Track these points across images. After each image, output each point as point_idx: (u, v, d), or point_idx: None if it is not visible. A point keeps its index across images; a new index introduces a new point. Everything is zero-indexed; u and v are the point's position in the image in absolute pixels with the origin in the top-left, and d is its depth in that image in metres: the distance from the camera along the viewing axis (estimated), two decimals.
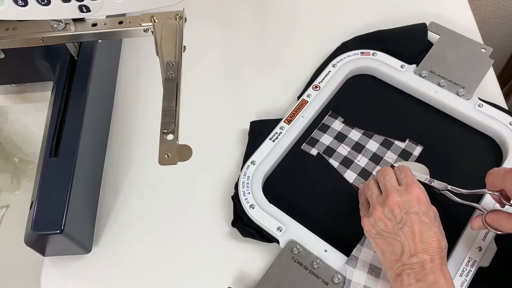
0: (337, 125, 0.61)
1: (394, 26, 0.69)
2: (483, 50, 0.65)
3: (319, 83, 0.62)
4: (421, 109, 0.62)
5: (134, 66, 0.72)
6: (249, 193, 0.55)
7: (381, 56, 0.64)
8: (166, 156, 0.45)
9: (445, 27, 0.67)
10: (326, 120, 0.62)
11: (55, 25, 0.52)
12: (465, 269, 0.49)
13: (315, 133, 0.61)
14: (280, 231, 0.53)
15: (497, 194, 0.47)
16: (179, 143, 0.45)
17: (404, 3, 0.74)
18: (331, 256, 0.51)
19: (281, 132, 0.59)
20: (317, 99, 0.62)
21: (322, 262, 0.51)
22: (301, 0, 0.76)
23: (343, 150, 0.59)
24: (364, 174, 0.58)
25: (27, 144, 0.85)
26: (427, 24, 0.68)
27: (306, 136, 0.61)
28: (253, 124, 0.62)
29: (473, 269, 0.49)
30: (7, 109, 0.75)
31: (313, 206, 0.56)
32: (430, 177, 0.54)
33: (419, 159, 0.58)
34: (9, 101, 0.70)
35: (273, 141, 0.59)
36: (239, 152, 0.62)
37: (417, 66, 0.63)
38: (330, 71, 0.63)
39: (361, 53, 0.65)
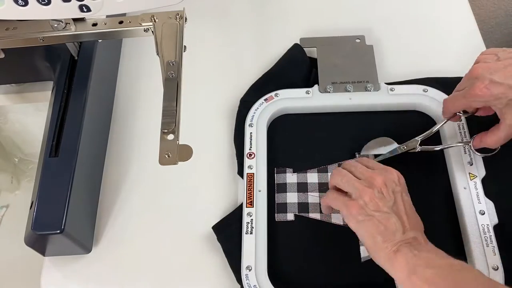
0: (291, 177, 0.58)
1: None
2: (358, 40, 0.67)
3: (250, 149, 0.59)
4: (347, 119, 0.62)
5: (134, 66, 0.71)
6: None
7: (283, 93, 0.63)
8: (166, 156, 0.45)
9: (315, 37, 0.68)
10: (278, 178, 0.58)
11: (55, 25, 0.52)
12: None
13: (278, 198, 0.57)
14: None
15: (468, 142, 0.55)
16: (180, 143, 0.45)
17: (405, 3, 0.74)
18: None
19: (252, 219, 0.54)
20: (259, 166, 0.58)
21: None
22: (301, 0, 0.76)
23: (313, 198, 0.57)
24: None
25: (27, 144, 0.85)
26: (298, 43, 0.68)
27: (272, 206, 0.57)
28: (217, 228, 0.56)
29: None
30: (7, 109, 0.75)
31: (328, 268, 0.53)
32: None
33: None
34: (9, 101, 0.70)
35: (251, 233, 0.53)
36: (228, 198, 0.60)
37: (318, 85, 0.63)
38: (251, 132, 0.60)
39: (265, 100, 0.63)
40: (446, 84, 0.61)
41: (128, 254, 0.57)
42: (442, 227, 0.54)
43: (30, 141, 0.83)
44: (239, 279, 0.52)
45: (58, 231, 0.50)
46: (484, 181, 0.55)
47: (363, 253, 0.53)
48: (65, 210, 0.51)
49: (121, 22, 0.53)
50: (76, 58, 0.61)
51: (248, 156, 0.59)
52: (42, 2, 0.45)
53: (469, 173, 0.55)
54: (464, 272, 0.42)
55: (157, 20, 0.52)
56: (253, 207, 0.55)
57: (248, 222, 0.54)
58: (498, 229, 0.52)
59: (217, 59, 0.71)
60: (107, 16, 0.53)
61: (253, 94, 0.65)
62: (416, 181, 0.52)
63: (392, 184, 0.47)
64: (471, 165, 0.55)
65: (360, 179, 0.48)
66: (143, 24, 0.53)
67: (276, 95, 0.63)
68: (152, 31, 0.53)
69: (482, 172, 0.55)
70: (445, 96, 0.60)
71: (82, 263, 0.57)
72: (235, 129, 0.63)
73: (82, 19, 0.53)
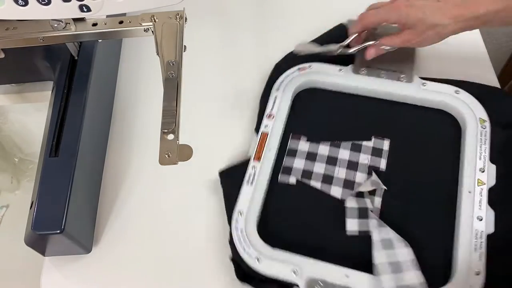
0: (303, 145, 0.60)
1: None
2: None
3: (271, 111, 0.61)
4: (373, 104, 0.63)
5: (134, 66, 0.71)
6: (249, 247, 0.52)
7: (317, 66, 0.64)
8: (166, 156, 0.45)
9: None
10: (291, 144, 0.60)
11: (55, 25, 0.52)
12: None
13: (286, 161, 0.59)
14: (296, 274, 0.50)
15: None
16: (180, 143, 0.45)
17: None
18: (355, 279, 0.49)
19: (255, 172, 0.57)
20: (275, 128, 0.60)
21: None
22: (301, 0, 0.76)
23: (319, 168, 0.58)
24: (348, 184, 0.57)
25: (27, 144, 0.85)
26: (346, 23, 0.69)
27: (278, 167, 0.59)
28: (222, 174, 0.59)
29: None
30: (7, 109, 0.75)
31: (315, 235, 0.54)
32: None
33: (390, 152, 0.59)
34: (9, 101, 0.70)
35: (251, 184, 0.56)
36: (240, 152, 0.62)
37: (353, 65, 0.64)
38: (276, 96, 0.62)
39: (298, 69, 0.64)
40: (480, 90, 0.61)
41: (128, 254, 0.57)
42: (438, 221, 0.54)
43: (30, 141, 0.83)
44: (230, 222, 0.54)
45: (58, 231, 0.50)
46: (492, 190, 0.54)
47: (351, 226, 0.53)
48: (65, 210, 0.51)
49: (121, 22, 0.53)
50: (76, 58, 0.61)
51: (267, 116, 0.61)
52: (42, 2, 0.45)
53: (478, 179, 0.54)
54: None
55: (157, 20, 0.52)
56: (259, 162, 0.57)
57: (251, 174, 0.56)
58: (491, 238, 0.52)
59: (217, 59, 0.71)
60: (107, 16, 0.53)
61: (290, 61, 0.66)
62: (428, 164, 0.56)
63: None
64: (483, 172, 0.55)
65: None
66: (143, 24, 0.53)
67: (309, 66, 0.64)
68: (152, 31, 0.53)
69: (492, 181, 0.55)
70: (475, 101, 0.60)
71: (82, 263, 0.57)
72: (264, 90, 0.65)
73: (82, 19, 0.53)
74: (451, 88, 0.61)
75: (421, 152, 0.59)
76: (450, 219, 0.54)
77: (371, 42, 0.60)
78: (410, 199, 0.55)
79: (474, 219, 0.52)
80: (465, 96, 0.61)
